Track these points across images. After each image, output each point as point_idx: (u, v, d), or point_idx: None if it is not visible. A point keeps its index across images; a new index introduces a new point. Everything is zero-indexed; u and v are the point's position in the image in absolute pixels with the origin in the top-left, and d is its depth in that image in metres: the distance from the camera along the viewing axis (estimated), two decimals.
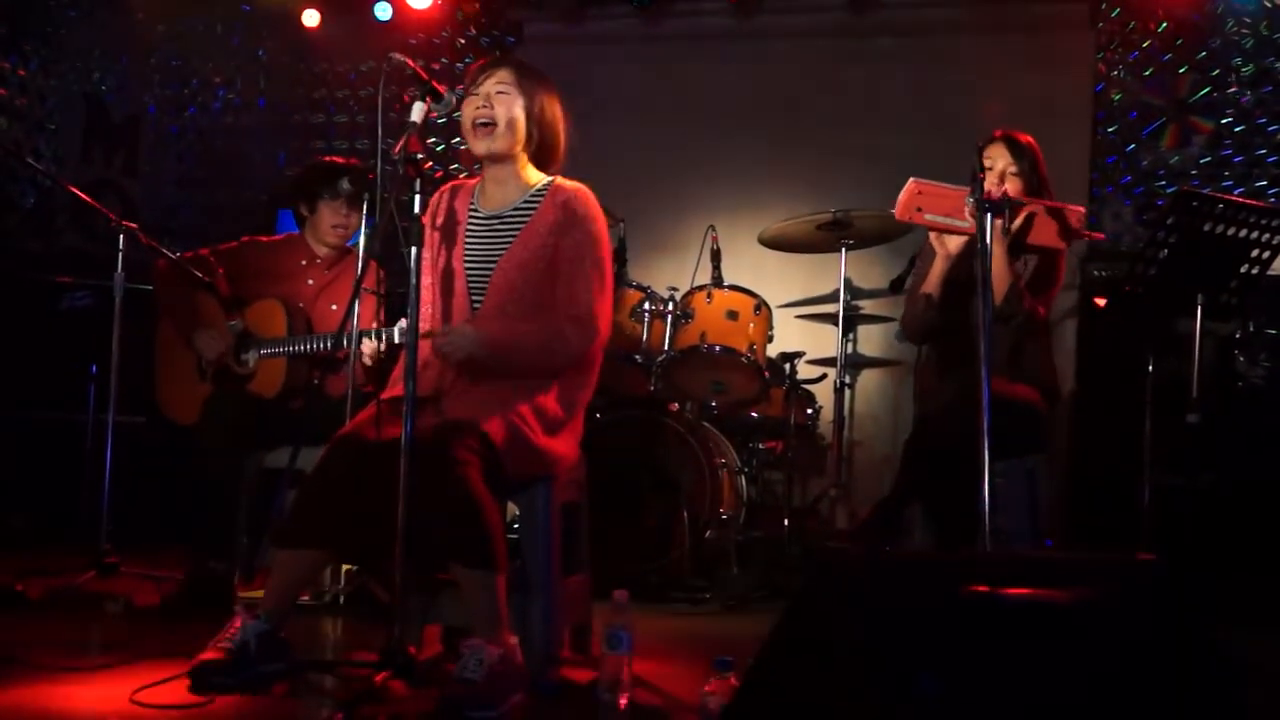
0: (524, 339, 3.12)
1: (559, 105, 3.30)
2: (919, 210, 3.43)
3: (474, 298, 3.23)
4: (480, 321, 3.19)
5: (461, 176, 3.44)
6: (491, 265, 3.22)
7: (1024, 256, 3.81)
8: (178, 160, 7.35)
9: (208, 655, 2.83)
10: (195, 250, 4.31)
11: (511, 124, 3.20)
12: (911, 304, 3.99)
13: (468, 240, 3.28)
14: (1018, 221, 3.52)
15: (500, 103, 3.19)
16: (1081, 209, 3.55)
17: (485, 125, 3.19)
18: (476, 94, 3.21)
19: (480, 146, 3.21)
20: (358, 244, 4.34)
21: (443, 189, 3.42)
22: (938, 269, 3.85)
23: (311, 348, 4.05)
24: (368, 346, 3.82)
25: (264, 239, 4.49)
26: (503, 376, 3.11)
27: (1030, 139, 3.93)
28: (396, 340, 3.63)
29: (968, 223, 3.39)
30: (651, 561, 4.61)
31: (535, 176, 3.30)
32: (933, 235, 3.81)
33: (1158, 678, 1.81)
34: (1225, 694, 1.82)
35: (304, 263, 4.34)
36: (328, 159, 4.49)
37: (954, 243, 3.79)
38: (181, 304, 4.18)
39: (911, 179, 3.43)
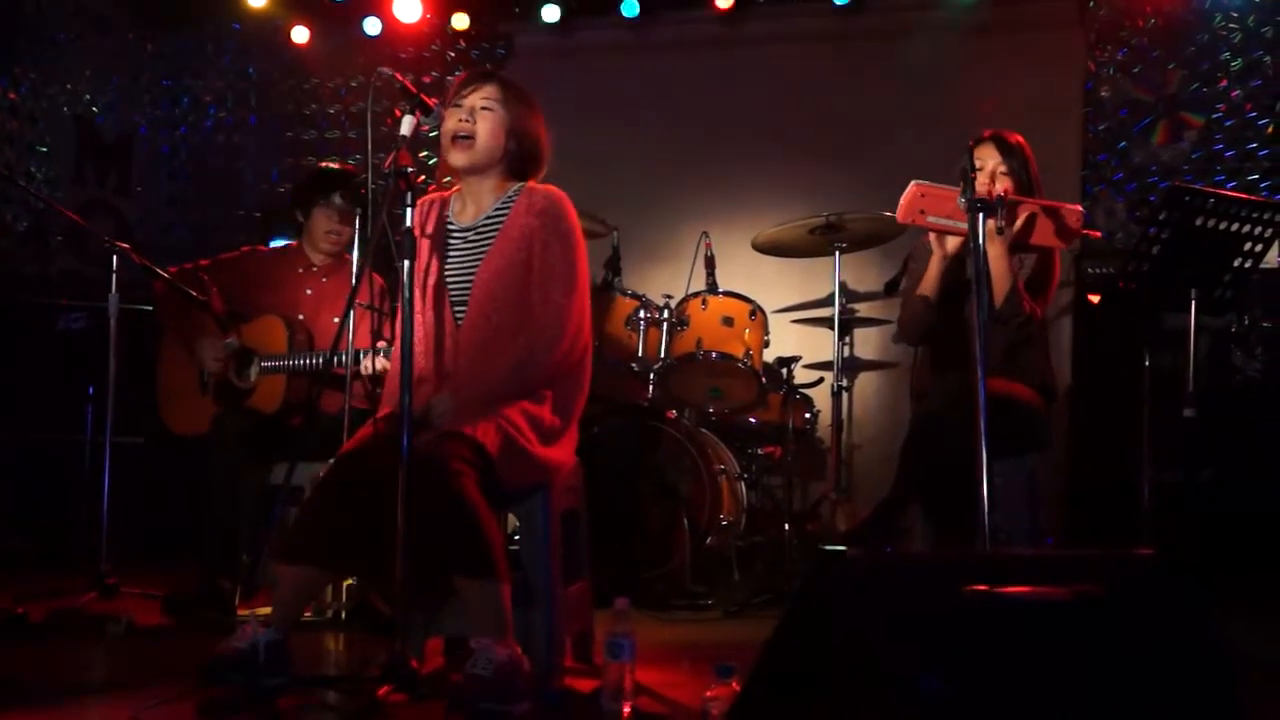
0: (496, 375, 3.11)
1: (542, 125, 3.32)
2: (921, 212, 3.43)
3: (456, 310, 3.23)
4: (465, 333, 3.20)
5: (432, 189, 3.44)
6: (470, 276, 3.23)
7: (1019, 256, 3.81)
8: (170, 179, 7.35)
9: (217, 655, 2.84)
10: (196, 262, 4.32)
11: (492, 140, 3.22)
12: (909, 306, 3.99)
13: (447, 255, 3.29)
14: (1018, 224, 3.52)
15: (483, 118, 3.21)
16: (1079, 208, 3.55)
17: (465, 139, 3.20)
18: (460, 106, 3.22)
19: (458, 159, 3.22)
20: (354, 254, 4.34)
21: (419, 203, 3.41)
22: (934, 270, 3.85)
23: (310, 364, 4.06)
24: (367, 364, 3.84)
25: (264, 249, 4.52)
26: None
27: (1020, 138, 3.94)
28: (384, 366, 3.65)
29: None
30: (652, 569, 4.60)
31: (508, 185, 3.31)
32: (932, 235, 3.82)
33: (1158, 673, 1.82)
34: (1225, 688, 1.82)
35: (301, 271, 4.36)
36: (324, 165, 4.50)
37: (952, 243, 3.79)
38: (183, 317, 4.19)
39: (913, 182, 3.43)
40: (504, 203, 3.27)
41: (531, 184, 3.30)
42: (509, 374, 3.10)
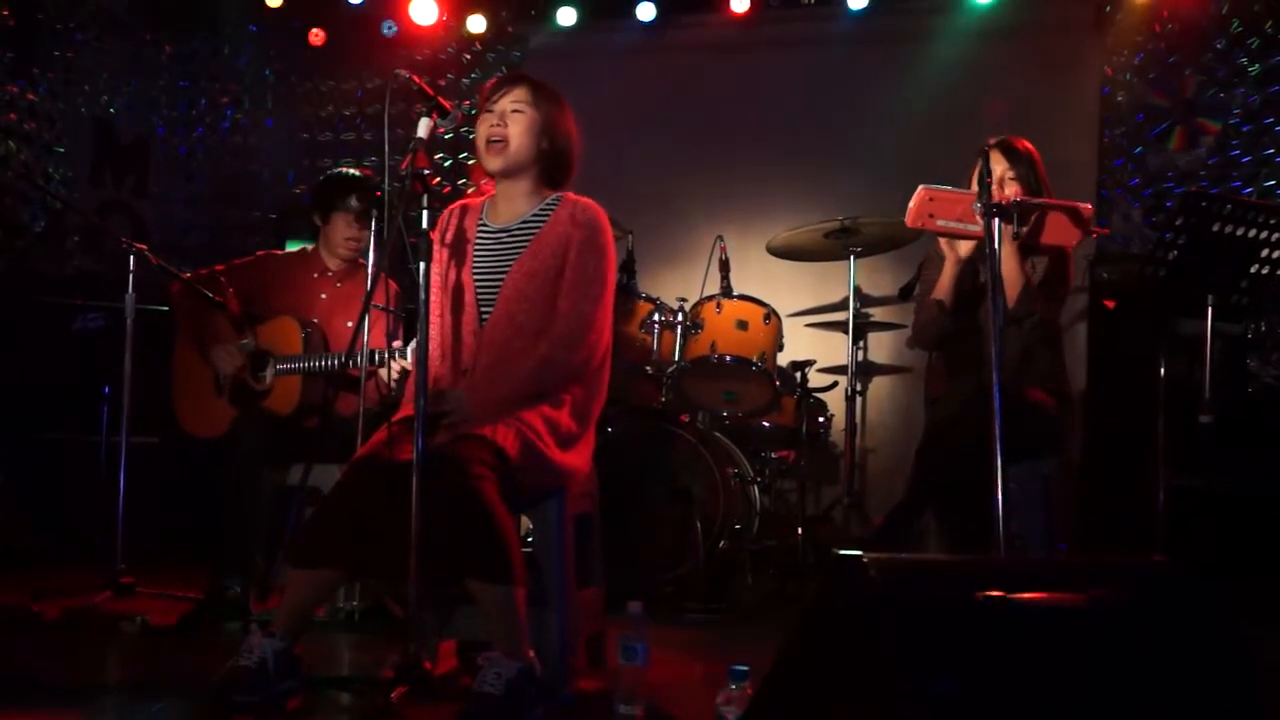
0: (515, 375, 3.12)
1: (573, 123, 3.33)
2: (931, 216, 3.42)
3: (482, 309, 3.24)
4: (487, 331, 3.21)
5: (470, 193, 3.45)
6: (500, 276, 3.24)
7: (1031, 259, 3.81)
8: (187, 181, 7.37)
9: (227, 673, 2.83)
10: (210, 267, 4.33)
11: (524, 142, 3.23)
12: (923, 311, 3.99)
13: (476, 254, 3.30)
14: (1028, 224, 3.52)
15: (514, 121, 3.22)
16: (1089, 206, 3.54)
17: (498, 143, 3.22)
18: (491, 111, 3.24)
19: (493, 164, 3.24)
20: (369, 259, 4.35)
21: (451, 208, 3.43)
22: (948, 274, 3.85)
23: (326, 365, 4.07)
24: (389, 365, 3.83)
25: (279, 252, 4.53)
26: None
27: (1028, 144, 3.92)
28: (406, 364, 3.64)
29: (980, 226, 3.38)
30: (666, 572, 4.60)
31: (546, 192, 3.33)
32: (943, 240, 3.81)
33: (1173, 680, 1.81)
34: (1241, 696, 1.81)
35: (315, 275, 4.36)
36: (344, 170, 4.51)
37: (965, 247, 3.78)
38: (198, 321, 4.20)
39: (921, 186, 3.42)
40: (543, 209, 3.28)
41: (571, 194, 3.32)
42: (528, 375, 3.11)
